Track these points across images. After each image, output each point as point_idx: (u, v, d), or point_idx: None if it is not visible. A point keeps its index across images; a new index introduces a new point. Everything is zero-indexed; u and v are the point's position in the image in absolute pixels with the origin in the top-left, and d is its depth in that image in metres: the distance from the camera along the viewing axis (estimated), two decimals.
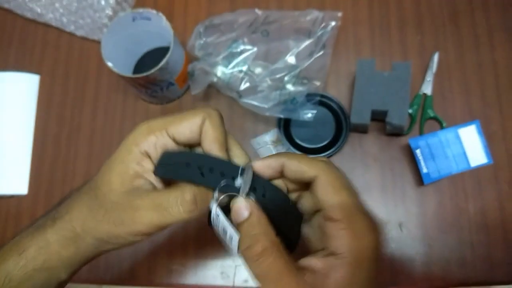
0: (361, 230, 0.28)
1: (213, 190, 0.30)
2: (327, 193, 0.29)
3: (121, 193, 0.31)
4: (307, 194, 0.32)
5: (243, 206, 0.29)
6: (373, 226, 0.29)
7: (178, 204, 0.29)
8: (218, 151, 0.31)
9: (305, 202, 0.33)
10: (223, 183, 0.29)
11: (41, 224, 0.33)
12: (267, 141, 0.58)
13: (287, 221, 0.31)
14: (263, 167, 0.31)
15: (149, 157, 0.32)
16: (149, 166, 0.32)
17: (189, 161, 0.30)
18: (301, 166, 0.30)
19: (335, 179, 0.30)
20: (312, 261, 0.28)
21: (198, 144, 0.33)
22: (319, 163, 0.30)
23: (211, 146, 0.31)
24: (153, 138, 0.31)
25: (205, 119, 0.32)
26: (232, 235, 0.29)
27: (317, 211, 0.31)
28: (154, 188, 0.32)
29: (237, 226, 0.29)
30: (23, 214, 0.60)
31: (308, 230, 0.33)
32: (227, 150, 0.32)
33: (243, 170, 0.30)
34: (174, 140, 0.32)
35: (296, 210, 0.32)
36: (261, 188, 0.30)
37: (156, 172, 0.31)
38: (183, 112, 0.33)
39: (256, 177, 0.30)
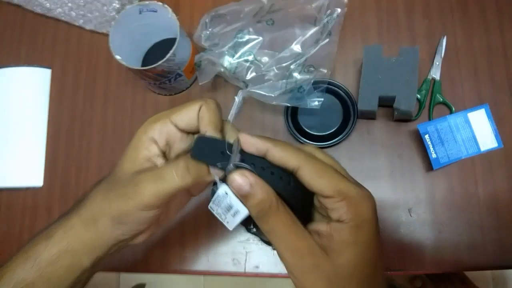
0: (355, 199, 0.31)
1: (209, 165, 0.33)
2: (312, 179, 0.31)
3: (130, 174, 0.35)
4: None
5: (247, 173, 0.31)
6: (365, 193, 0.32)
7: (172, 171, 0.33)
8: (213, 131, 0.34)
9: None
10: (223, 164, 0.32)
11: (68, 212, 0.37)
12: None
13: (291, 193, 0.32)
14: (248, 143, 0.33)
15: (156, 142, 0.36)
16: (155, 150, 0.35)
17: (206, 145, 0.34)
18: (284, 156, 0.32)
19: (315, 165, 0.32)
20: (318, 226, 0.32)
21: (198, 130, 0.36)
22: (300, 154, 0.32)
23: (206, 127, 0.35)
24: (158, 126, 0.36)
25: (202, 106, 0.36)
26: (238, 209, 0.32)
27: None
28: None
29: (241, 192, 0.31)
30: (39, 206, 0.62)
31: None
32: (222, 131, 0.36)
33: (230, 145, 0.33)
34: (176, 127, 0.36)
35: (298, 184, 0.33)
36: (260, 163, 0.32)
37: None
38: (180, 105, 0.37)
39: (255, 156, 0.32)
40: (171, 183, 0.33)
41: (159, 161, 0.35)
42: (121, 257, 0.58)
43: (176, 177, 0.33)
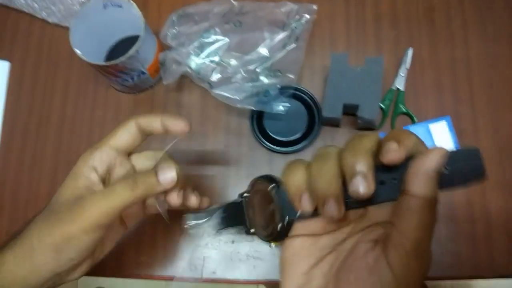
0: None
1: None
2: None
3: (71, 200, 0.34)
4: None
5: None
6: None
7: (121, 184, 0.33)
8: (166, 117, 0.39)
9: None
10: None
11: (3, 245, 0.34)
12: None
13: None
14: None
15: (96, 170, 0.36)
16: (95, 178, 0.36)
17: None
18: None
19: None
20: None
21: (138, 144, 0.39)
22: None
23: (156, 120, 0.38)
24: (98, 153, 0.37)
25: (136, 121, 0.38)
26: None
27: None
28: None
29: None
30: None
31: None
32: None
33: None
34: (117, 150, 0.37)
35: None
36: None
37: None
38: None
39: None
40: (120, 196, 0.33)
41: (99, 188, 0.36)
42: None
43: (126, 189, 0.33)
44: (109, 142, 0.37)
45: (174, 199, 0.38)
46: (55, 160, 0.59)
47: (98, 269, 0.55)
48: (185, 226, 0.38)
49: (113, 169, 0.38)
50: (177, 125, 0.38)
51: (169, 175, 0.35)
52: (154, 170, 0.36)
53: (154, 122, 0.38)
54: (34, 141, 0.60)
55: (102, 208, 0.32)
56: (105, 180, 0.37)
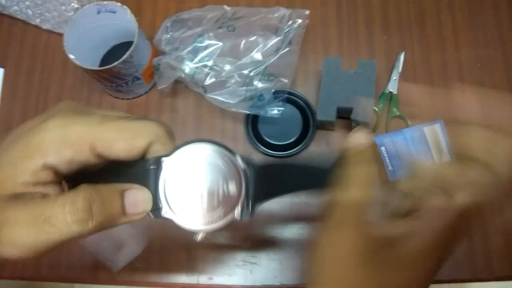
0: None
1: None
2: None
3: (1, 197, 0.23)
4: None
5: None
6: None
7: (65, 211, 0.22)
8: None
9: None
10: None
11: None
12: None
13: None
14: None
15: (54, 169, 0.24)
16: (47, 178, 0.24)
17: None
18: None
19: None
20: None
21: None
22: None
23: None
24: (69, 154, 0.24)
25: (152, 142, 0.25)
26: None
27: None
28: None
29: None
30: None
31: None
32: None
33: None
34: (99, 156, 0.25)
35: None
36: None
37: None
38: (119, 120, 0.25)
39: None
40: (60, 230, 0.22)
41: (50, 189, 0.24)
42: (68, 267, 0.55)
43: (71, 223, 0.22)
44: (98, 144, 0.24)
45: None
46: None
47: (92, 277, 0.55)
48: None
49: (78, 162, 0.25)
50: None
51: (140, 198, 0.25)
52: (119, 189, 0.25)
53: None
54: None
55: (28, 243, 0.22)
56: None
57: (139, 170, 0.26)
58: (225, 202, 0.26)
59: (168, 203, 0.26)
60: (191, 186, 0.26)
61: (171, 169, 0.26)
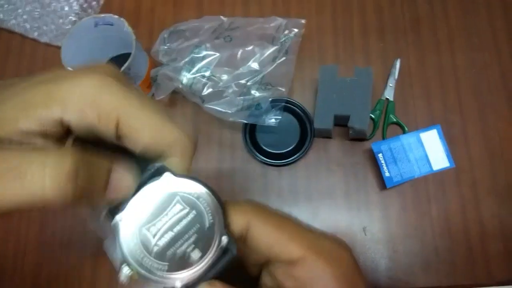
0: (333, 253, 0.25)
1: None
2: (268, 233, 0.24)
3: None
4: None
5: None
6: (341, 243, 0.25)
7: (44, 170, 0.18)
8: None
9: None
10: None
11: None
12: None
13: None
14: None
15: (65, 129, 0.21)
16: (53, 132, 0.21)
17: None
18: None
19: (270, 218, 0.24)
20: None
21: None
22: (248, 210, 0.24)
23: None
24: (95, 119, 0.21)
25: (172, 150, 0.23)
26: None
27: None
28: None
29: None
30: None
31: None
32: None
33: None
34: (117, 136, 0.22)
35: None
36: None
37: None
38: (154, 110, 0.22)
39: None
40: (30, 190, 0.18)
41: (38, 141, 0.21)
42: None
43: (48, 186, 0.18)
44: (129, 104, 0.22)
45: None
46: None
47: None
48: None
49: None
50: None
51: (124, 183, 0.22)
52: (108, 166, 0.22)
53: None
54: None
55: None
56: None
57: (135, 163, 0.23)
58: (176, 263, 0.22)
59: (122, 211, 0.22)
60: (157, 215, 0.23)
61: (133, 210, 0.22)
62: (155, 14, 0.65)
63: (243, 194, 0.58)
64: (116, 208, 0.22)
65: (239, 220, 0.24)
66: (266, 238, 0.24)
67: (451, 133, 0.57)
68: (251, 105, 0.55)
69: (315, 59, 0.62)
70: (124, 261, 0.22)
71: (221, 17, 0.59)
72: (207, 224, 0.23)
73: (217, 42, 0.56)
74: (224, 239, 0.23)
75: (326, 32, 0.63)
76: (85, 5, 0.62)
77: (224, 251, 0.23)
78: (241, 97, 0.55)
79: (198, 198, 0.23)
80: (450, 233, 0.54)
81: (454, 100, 0.59)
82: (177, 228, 0.22)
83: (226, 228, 0.23)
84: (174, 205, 0.23)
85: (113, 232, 0.22)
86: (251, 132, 0.58)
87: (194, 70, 0.54)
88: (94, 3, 0.63)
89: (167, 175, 0.23)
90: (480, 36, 0.61)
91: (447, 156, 0.56)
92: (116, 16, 0.54)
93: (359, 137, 0.57)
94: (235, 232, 0.24)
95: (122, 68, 0.51)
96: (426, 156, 0.55)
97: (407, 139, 0.55)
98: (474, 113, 0.58)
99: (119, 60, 0.61)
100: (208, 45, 0.55)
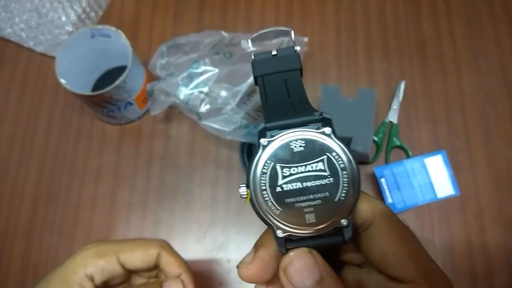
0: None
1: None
2: (391, 241, 0.21)
3: None
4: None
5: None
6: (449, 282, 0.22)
7: None
8: (186, 276, 0.34)
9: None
10: None
11: None
12: None
13: None
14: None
15: (92, 280, 0.31)
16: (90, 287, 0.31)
17: None
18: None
19: (396, 223, 0.22)
20: None
21: (148, 270, 0.35)
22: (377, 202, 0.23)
23: (180, 270, 0.34)
24: (102, 263, 0.31)
25: (160, 252, 0.33)
26: None
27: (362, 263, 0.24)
28: None
29: None
30: None
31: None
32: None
33: None
34: (123, 266, 0.33)
35: None
36: None
37: None
38: (133, 240, 0.34)
39: None
40: None
41: None
42: None
43: None
44: (120, 255, 0.32)
45: None
46: (36, 193, 0.57)
47: None
48: None
49: (112, 279, 0.33)
50: None
51: None
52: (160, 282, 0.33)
53: (173, 268, 0.34)
54: (15, 171, 0.58)
55: None
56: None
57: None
58: (287, 214, 0.21)
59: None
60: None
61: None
62: (154, 26, 0.64)
63: (240, 217, 0.55)
64: (269, 129, 0.22)
65: (366, 213, 0.22)
66: (386, 245, 0.21)
67: (456, 159, 0.55)
68: (249, 124, 0.53)
69: (317, 78, 0.60)
70: (247, 182, 0.22)
71: (222, 32, 0.57)
72: (336, 198, 0.21)
73: (217, 57, 0.54)
74: (344, 222, 0.21)
75: (329, 50, 0.61)
76: (83, 16, 0.61)
77: (336, 232, 0.22)
78: (239, 115, 0.53)
79: (343, 169, 0.22)
80: (453, 263, 0.52)
81: (460, 125, 0.57)
82: (308, 184, 0.21)
83: (351, 214, 0.22)
84: (318, 162, 0.22)
85: (255, 149, 0.22)
86: (248, 150, 0.56)
87: (192, 85, 0.53)
88: (92, 14, 0.62)
89: (328, 130, 0.22)
90: (486, 59, 0.60)
91: (452, 183, 0.54)
92: (114, 28, 0.52)
93: (361, 160, 0.55)
94: (356, 222, 0.22)
95: (117, 82, 0.49)
96: (431, 182, 0.53)
97: (411, 164, 0.53)
98: (480, 138, 0.56)
99: (115, 72, 0.60)
100: (207, 60, 0.54)
